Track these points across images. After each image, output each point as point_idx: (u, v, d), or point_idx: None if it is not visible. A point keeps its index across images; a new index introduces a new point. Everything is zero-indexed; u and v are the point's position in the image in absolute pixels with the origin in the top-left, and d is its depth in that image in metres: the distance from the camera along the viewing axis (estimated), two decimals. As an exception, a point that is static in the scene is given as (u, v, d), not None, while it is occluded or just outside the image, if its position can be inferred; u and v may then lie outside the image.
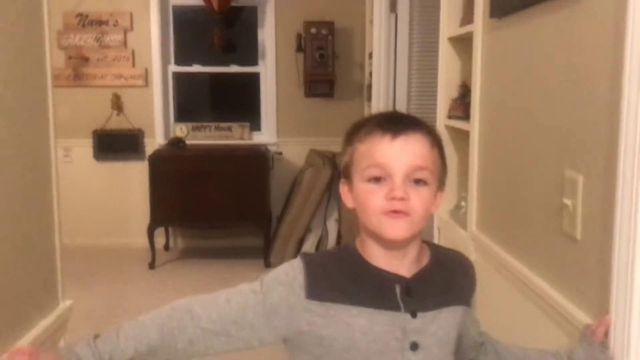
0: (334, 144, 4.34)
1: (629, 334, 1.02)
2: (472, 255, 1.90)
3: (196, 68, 5.18)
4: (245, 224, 4.80)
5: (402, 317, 0.97)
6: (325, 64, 4.87)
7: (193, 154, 4.78)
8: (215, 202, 4.59)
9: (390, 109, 4.16)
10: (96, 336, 0.98)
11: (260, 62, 5.14)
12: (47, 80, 1.45)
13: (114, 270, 4.60)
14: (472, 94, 1.91)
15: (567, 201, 1.23)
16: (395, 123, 0.97)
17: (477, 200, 1.89)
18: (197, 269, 4.62)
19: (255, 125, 5.18)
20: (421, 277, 1.01)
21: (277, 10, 4.98)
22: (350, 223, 3.80)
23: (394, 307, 0.97)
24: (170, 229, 5.08)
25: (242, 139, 5.07)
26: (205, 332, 0.98)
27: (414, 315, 0.98)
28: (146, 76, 4.97)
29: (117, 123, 4.97)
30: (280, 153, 5.00)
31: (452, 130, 2.24)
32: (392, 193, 0.93)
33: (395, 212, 0.94)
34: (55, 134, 1.47)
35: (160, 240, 4.89)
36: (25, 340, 1.21)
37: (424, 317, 0.98)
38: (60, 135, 1.52)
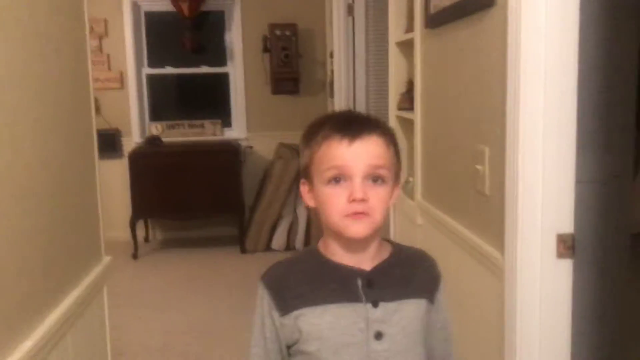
0: (300, 137, 4.72)
1: (516, 262, 1.45)
2: (419, 220, 2.33)
3: (168, 70, 5.52)
4: (221, 214, 5.17)
5: (364, 308, 1.01)
6: (290, 63, 5.25)
7: (169, 151, 5.11)
8: (192, 195, 4.93)
9: (350, 105, 4.58)
10: None
11: (229, 62, 5.50)
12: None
13: (98, 261, 4.91)
14: (415, 90, 2.34)
15: (479, 167, 1.66)
16: (351, 126, 1.00)
17: (421, 175, 2.32)
18: (177, 258, 4.95)
19: (227, 122, 5.54)
20: (382, 269, 1.04)
21: (244, 14, 5.34)
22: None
23: (357, 299, 1.01)
24: (149, 222, 5.40)
25: (214, 135, 5.43)
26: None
27: (375, 305, 1.01)
28: (121, 79, 5.28)
29: (95, 124, 5.26)
30: (251, 147, 5.37)
31: (401, 119, 2.67)
32: (352, 195, 0.97)
33: (357, 213, 0.97)
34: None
35: (140, 232, 5.19)
36: (84, 283, 1.58)
37: (386, 307, 1.02)
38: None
